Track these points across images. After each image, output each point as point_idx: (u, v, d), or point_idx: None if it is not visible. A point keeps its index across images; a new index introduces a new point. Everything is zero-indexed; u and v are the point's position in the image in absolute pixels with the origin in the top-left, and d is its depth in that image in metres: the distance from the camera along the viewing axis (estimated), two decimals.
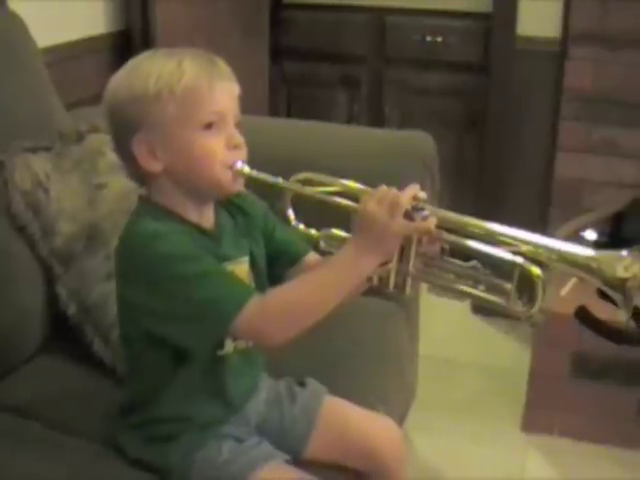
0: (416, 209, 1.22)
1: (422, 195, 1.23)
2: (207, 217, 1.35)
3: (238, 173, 1.29)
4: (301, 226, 1.41)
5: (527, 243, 1.20)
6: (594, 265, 1.16)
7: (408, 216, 1.21)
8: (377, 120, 3.36)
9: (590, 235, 2.28)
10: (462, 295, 1.27)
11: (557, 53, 2.74)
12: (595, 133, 2.70)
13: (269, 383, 1.50)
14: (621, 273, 1.15)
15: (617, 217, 2.41)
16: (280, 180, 1.32)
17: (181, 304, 1.23)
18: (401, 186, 1.24)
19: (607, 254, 1.18)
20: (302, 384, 1.51)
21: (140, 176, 1.32)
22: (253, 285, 1.38)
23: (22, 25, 1.90)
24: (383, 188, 1.23)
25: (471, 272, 1.26)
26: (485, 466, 2.25)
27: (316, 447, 1.45)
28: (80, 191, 1.70)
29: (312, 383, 1.51)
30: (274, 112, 3.35)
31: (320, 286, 1.25)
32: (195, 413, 1.36)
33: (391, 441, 1.51)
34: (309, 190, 1.32)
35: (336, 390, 1.52)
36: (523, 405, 2.40)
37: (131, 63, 1.30)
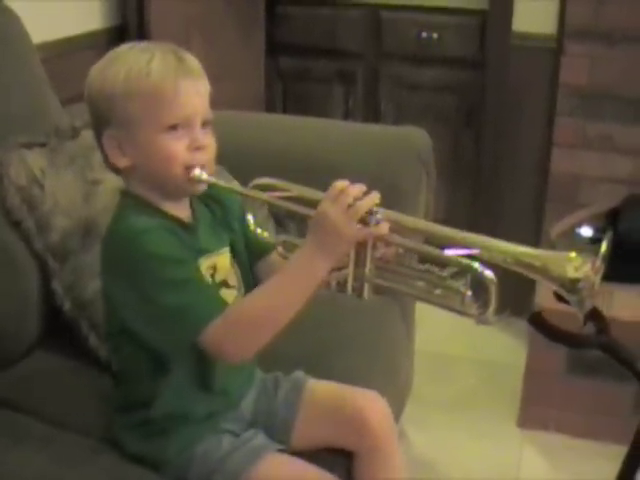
0: (370, 212, 1.21)
1: (377, 201, 1.22)
2: (183, 210, 1.35)
3: (195, 179, 1.28)
4: (258, 231, 1.41)
5: (477, 246, 1.17)
6: (537, 264, 1.14)
7: (362, 220, 1.20)
8: (373, 116, 3.35)
9: (586, 231, 2.27)
10: (418, 298, 1.26)
11: (553, 49, 2.73)
12: (591, 129, 2.69)
13: (259, 377, 1.50)
14: (572, 274, 1.13)
15: (613, 213, 2.40)
16: (237, 186, 1.33)
17: (156, 306, 1.23)
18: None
19: (555, 254, 1.16)
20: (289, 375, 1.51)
21: (114, 168, 1.33)
22: (238, 273, 1.39)
23: (17, 20, 1.90)
24: (341, 190, 1.20)
25: (426, 275, 1.24)
26: (481, 462, 2.25)
27: (305, 427, 1.44)
28: (75, 187, 1.69)
29: (297, 373, 1.51)
30: (270, 107, 3.34)
31: (275, 297, 1.24)
32: (190, 411, 1.36)
33: (377, 410, 1.47)
34: (265, 196, 1.31)
35: None
36: (519, 401, 2.40)
37: (108, 55, 1.31)
